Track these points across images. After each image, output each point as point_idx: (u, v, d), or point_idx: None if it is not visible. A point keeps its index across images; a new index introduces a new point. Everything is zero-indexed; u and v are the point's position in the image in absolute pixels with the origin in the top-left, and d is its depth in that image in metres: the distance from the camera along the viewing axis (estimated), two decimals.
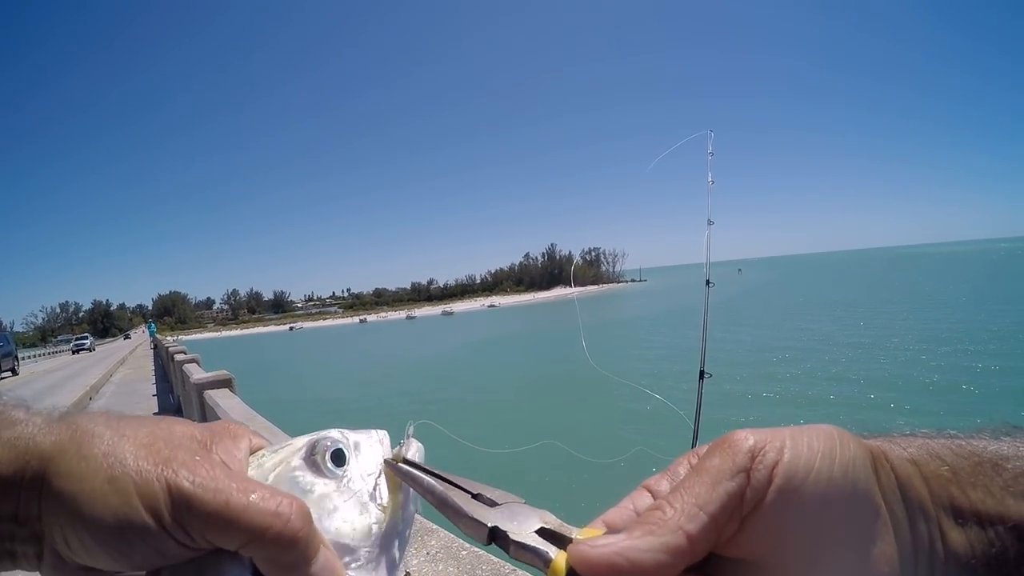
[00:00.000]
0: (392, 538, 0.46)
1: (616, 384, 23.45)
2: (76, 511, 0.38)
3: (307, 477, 0.46)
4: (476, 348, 48.50)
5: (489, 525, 0.41)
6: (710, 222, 2.95)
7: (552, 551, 0.38)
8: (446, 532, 2.13)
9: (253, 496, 0.39)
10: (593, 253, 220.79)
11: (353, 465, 0.47)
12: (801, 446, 0.37)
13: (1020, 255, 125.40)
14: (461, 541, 2.04)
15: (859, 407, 16.96)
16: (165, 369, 15.62)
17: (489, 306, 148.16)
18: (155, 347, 28.73)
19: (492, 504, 0.44)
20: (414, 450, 0.50)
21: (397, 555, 0.47)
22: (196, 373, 6.24)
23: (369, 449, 0.49)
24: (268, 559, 0.39)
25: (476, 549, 2.00)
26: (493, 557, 1.90)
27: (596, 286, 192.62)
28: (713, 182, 2.89)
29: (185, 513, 0.38)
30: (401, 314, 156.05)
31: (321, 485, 0.45)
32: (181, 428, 0.46)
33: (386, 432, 0.52)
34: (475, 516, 0.42)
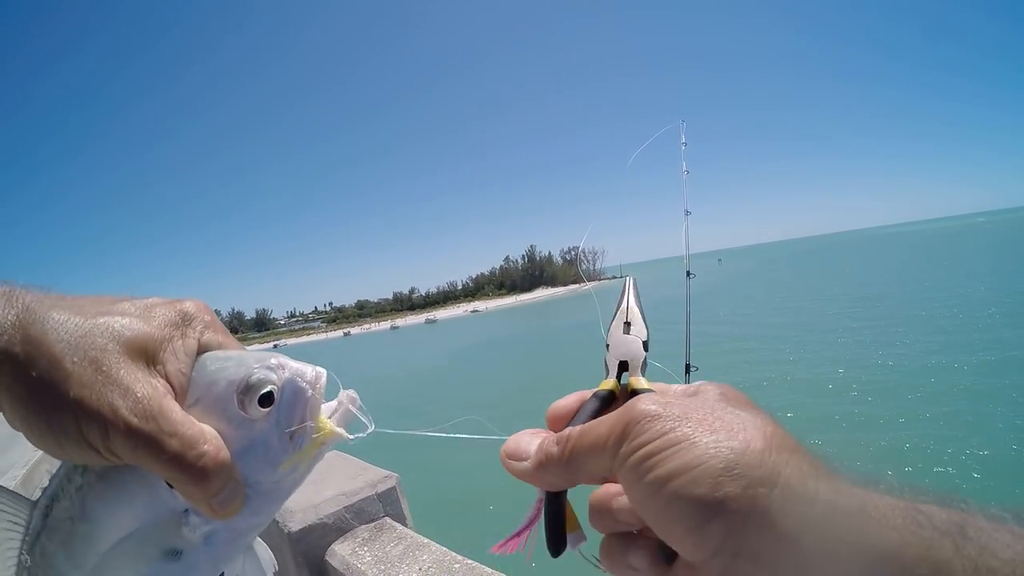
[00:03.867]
0: (289, 488, 0.52)
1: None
2: (18, 402, 0.43)
3: (232, 410, 0.48)
4: (464, 355, 48.39)
5: (607, 340, 0.55)
6: (687, 212, 2.93)
7: (610, 377, 0.53)
8: (438, 546, 2.08)
9: (173, 440, 0.44)
10: (572, 252, 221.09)
11: (275, 412, 0.49)
12: (694, 459, 0.38)
13: (998, 228, 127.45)
14: (454, 554, 2.00)
15: (844, 392, 17.10)
16: None
17: (472, 311, 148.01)
18: None
19: (627, 332, 0.55)
20: (338, 416, 0.54)
21: (281, 504, 0.54)
22: None
23: (295, 397, 0.50)
24: (178, 487, 0.46)
25: (470, 561, 1.95)
26: (487, 569, 1.86)
27: (577, 285, 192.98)
28: (688, 172, 2.87)
29: (113, 440, 0.43)
30: (385, 325, 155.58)
31: (242, 420, 0.49)
32: (131, 321, 0.48)
33: (324, 371, 0.54)
34: (611, 331, 0.55)
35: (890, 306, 31.43)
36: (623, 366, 0.52)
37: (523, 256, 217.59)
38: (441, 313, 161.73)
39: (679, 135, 3.04)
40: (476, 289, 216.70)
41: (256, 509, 0.50)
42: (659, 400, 0.42)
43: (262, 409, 0.49)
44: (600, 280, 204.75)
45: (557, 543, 0.49)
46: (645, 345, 0.53)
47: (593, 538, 0.50)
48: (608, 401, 0.51)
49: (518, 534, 0.51)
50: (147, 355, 0.47)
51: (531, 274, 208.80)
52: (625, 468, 0.40)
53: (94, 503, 0.48)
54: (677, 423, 0.39)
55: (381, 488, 2.50)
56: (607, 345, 0.54)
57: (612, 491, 0.47)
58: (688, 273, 3.00)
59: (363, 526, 2.41)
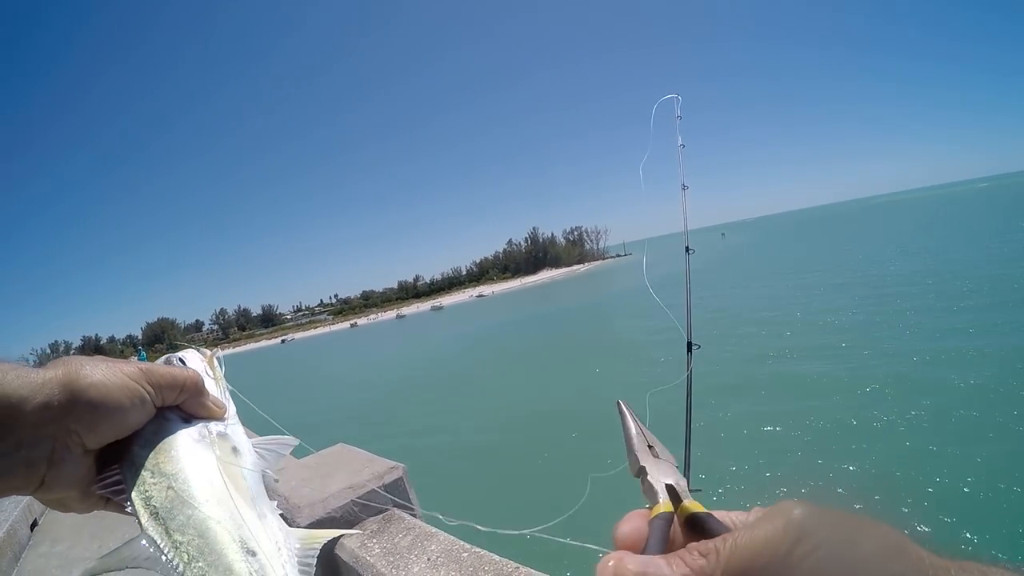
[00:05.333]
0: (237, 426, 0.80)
1: (611, 358, 23.50)
2: (99, 397, 0.63)
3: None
4: (474, 338, 48.46)
5: (641, 464, 0.58)
6: (684, 187, 2.89)
7: (661, 503, 0.52)
8: (446, 535, 2.07)
9: (175, 369, 0.74)
10: (576, 232, 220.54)
11: (193, 364, 0.81)
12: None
13: (1000, 192, 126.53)
14: (462, 543, 1.99)
15: (854, 370, 17.07)
16: None
17: (477, 296, 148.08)
18: None
19: (655, 455, 0.59)
20: (208, 352, 0.87)
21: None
22: None
23: (197, 358, 0.84)
24: (189, 400, 0.74)
25: (478, 550, 1.95)
26: (495, 556, 1.85)
27: (582, 265, 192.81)
28: (683, 146, 2.83)
29: (155, 382, 0.69)
30: (391, 314, 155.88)
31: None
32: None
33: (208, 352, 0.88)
34: (639, 455, 0.59)
35: (897, 274, 31.32)
36: (671, 489, 0.54)
37: (526, 239, 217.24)
38: (447, 299, 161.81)
39: (674, 108, 3.00)
40: (480, 274, 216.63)
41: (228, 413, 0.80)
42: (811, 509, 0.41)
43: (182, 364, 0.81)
44: (604, 259, 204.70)
45: None
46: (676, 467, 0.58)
47: None
48: (669, 523, 0.51)
49: None
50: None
51: (535, 256, 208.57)
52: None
53: (166, 466, 0.69)
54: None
55: (388, 479, 2.49)
56: (640, 470, 0.57)
57: None
58: (687, 249, 2.95)
59: (371, 518, 2.40)
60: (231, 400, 0.84)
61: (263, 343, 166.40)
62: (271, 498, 0.75)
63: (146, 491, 0.66)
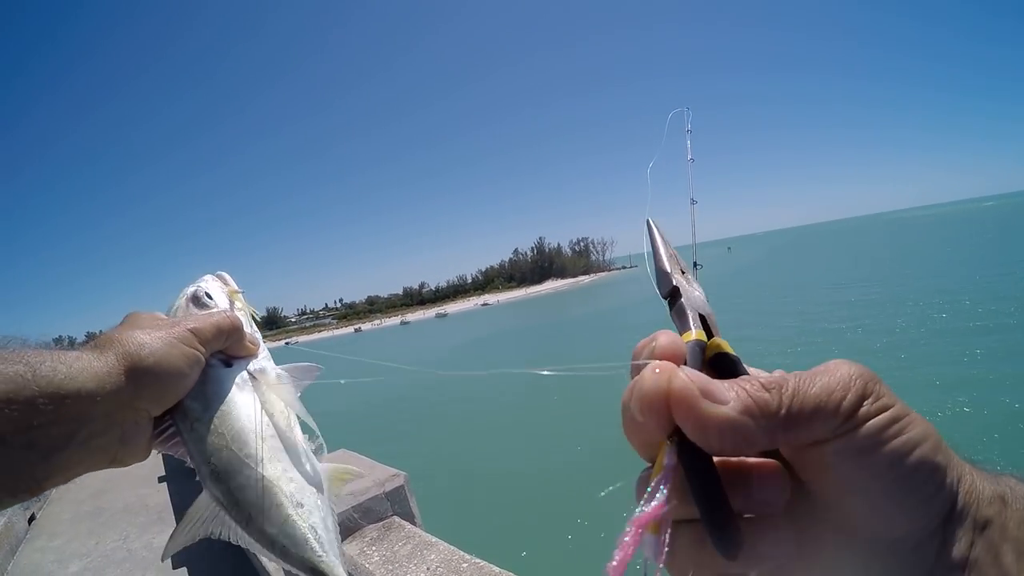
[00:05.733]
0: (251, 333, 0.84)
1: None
2: (163, 374, 0.66)
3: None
4: (476, 346, 48.39)
5: (674, 284, 0.51)
6: (693, 201, 2.87)
7: (694, 330, 0.46)
8: (446, 545, 2.06)
9: (217, 318, 0.76)
10: (582, 243, 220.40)
11: (219, 298, 0.84)
12: (929, 429, 0.39)
13: (1006, 212, 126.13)
14: (462, 553, 1.98)
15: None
16: None
17: (482, 304, 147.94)
18: None
19: (687, 280, 0.53)
20: (230, 280, 0.89)
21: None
22: None
23: (219, 288, 0.86)
24: (233, 345, 0.78)
25: (478, 561, 1.93)
26: (495, 568, 1.83)
27: (587, 276, 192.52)
28: (693, 160, 2.82)
29: (205, 340, 0.72)
30: (395, 320, 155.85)
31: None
32: (144, 317, 0.74)
33: (222, 274, 0.90)
34: (672, 274, 0.52)
35: (905, 290, 31.17)
36: (704, 319, 0.48)
37: (532, 248, 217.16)
38: (451, 307, 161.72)
39: (685, 122, 2.99)
40: (486, 282, 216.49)
41: (257, 343, 0.85)
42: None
43: (211, 301, 0.83)
44: (610, 271, 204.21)
45: (724, 529, 0.36)
46: (695, 262, 0.57)
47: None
48: (704, 351, 0.45)
49: (638, 531, 0.37)
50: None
51: (540, 266, 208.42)
52: (865, 430, 0.37)
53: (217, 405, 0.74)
54: (905, 416, 0.39)
55: (389, 487, 2.48)
56: (672, 291, 0.50)
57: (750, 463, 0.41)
58: (695, 264, 2.94)
59: (371, 525, 2.39)
60: (256, 328, 0.87)
61: (267, 345, 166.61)
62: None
63: (205, 450, 0.71)
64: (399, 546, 2.18)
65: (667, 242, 0.55)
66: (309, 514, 0.74)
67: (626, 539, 0.36)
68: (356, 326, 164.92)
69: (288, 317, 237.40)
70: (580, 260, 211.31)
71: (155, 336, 0.67)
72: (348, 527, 2.42)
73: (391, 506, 2.49)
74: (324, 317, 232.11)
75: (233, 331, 0.77)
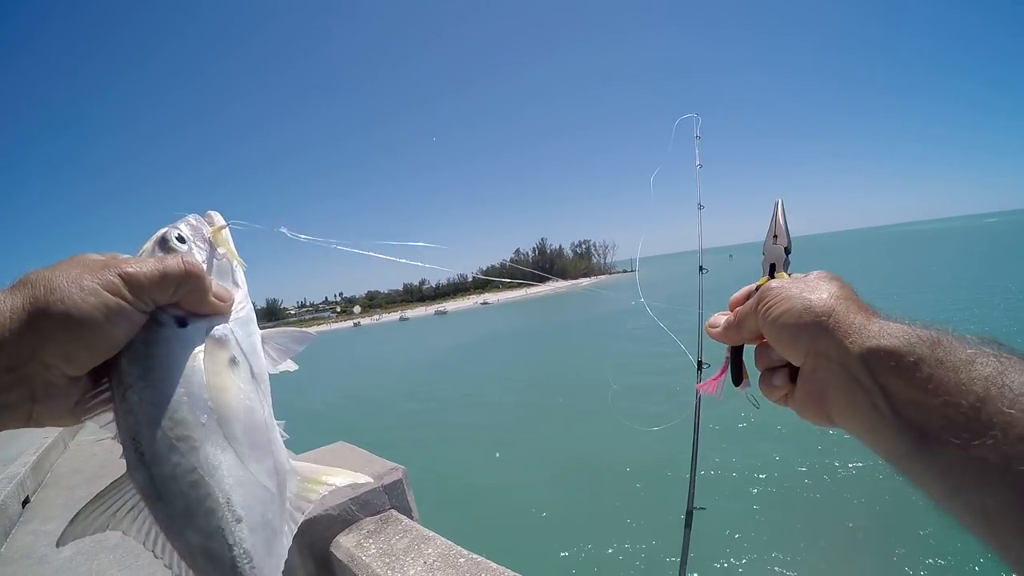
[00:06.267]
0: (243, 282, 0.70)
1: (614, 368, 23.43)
2: (72, 324, 0.53)
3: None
4: (477, 344, 48.42)
5: (764, 248, 0.84)
6: (700, 206, 2.89)
7: (764, 275, 0.81)
8: (444, 539, 2.06)
9: (167, 262, 0.60)
10: (583, 245, 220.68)
11: (195, 243, 0.66)
12: (790, 305, 0.68)
13: (1011, 229, 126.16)
14: (459, 548, 1.98)
15: None
16: None
17: (482, 303, 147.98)
18: None
19: (779, 243, 0.84)
20: (219, 219, 0.71)
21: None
22: None
23: (196, 225, 0.68)
24: (188, 297, 0.62)
25: (475, 556, 1.93)
26: (492, 564, 1.84)
27: (588, 279, 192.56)
28: (701, 165, 2.83)
29: (138, 287, 0.57)
30: (395, 316, 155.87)
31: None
32: (89, 258, 0.60)
33: (210, 213, 0.72)
34: (767, 242, 0.85)
35: (916, 302, 31.17)
36: (772, 267, 0.81)
37: (534, 249, 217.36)
38: (451, 305, 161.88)
39: (693, 128, 3.00)
40: (486, 282, 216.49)
41: (231, 289, 0.68)
42: (781, 280, 0.75)
43: (182, 245, 0.65)
44: (611, 274, 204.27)
45: (738, 378, 0.82)
46: (786, 250, 0.82)
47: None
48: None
49: (715, 379, 0.84)
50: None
51: (541, 267, 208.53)
52: (758, 317, 0.71)
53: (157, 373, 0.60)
54: (786, 290, 0.69)
55: (388, 480, 2.49)
56: (763, 252, 0.83)
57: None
58: (701, 268, 2.96)
59: (369, 518, 2.39)
60: (243, 281, 0.70)
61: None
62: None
63: (133, 425, 0.58)
64: (396, 539, 2.18)
65: (782, 223, 0.85)
66: (250, 532, 0.61)
67: (708, 383, 0.85)
68: (355, 320, 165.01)
69: (288, 309, 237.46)
70: (581, 262, 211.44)
71: (73, 279, 0.55)
72: (345, 519, 2.43)
73: (389, 499, 2.49)
74: (324, 310, 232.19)
75: (187, 279, 0.61)
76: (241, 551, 0.60)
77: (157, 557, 0.62)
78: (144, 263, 0.59)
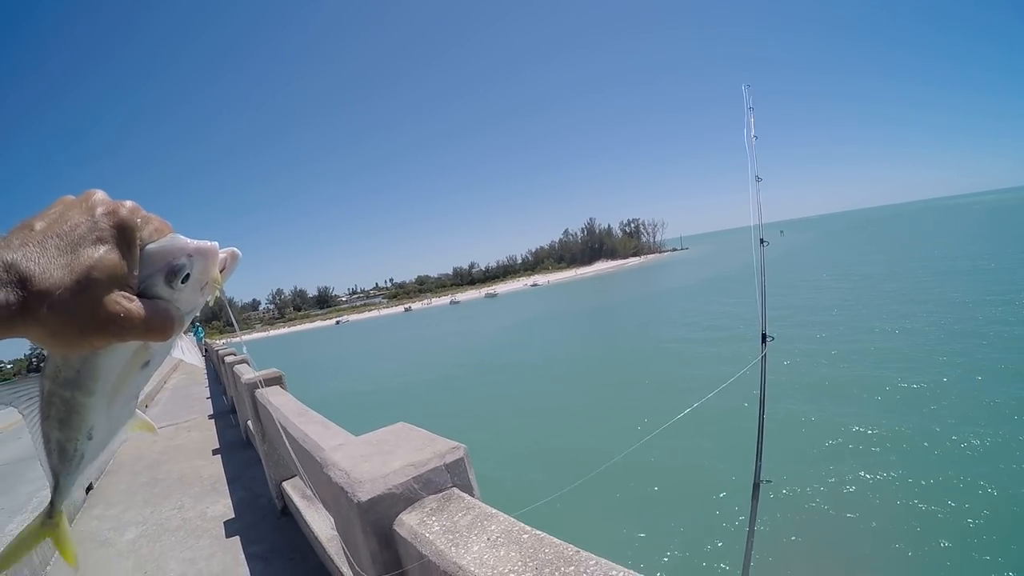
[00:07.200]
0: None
1: (673, 351, 23.20)
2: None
3: (165, 289, 0.67)
4: (529, 328, 48.51)
5: None
6: (758, 179, 2.83)
7: None
8: (506, 516, 2.08)
9: (152, 324, 0.62)
10: (632, 224, 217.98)
11: (192, 284, 0.69)
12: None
13: None
14: (522, 525, 2.00)
15: (926, 361, 16.51)
16: (217, 371, 15.76)
17: (532, 285, 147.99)
18: (205, 351, 28.39)
19: None
20: (232, 261, 0.79)
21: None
22: (246, 373, 6.25)
23: (202, 270, 0.70)
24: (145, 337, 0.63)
25: (539, 532, 1.95)
26: (555, 540, 1.85)
27: (638, 258, 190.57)
28: (756, 137, 2.77)
29: (119, 330, 0.58)
30: (445, 300, 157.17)
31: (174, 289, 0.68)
32: (72, 224, 0.58)
33: (217, 244, 0.73)
34: None
35: (964, 279, 30.04)
36: None
37: (583, 229, 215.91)
38: (501, 287, 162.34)
39: (745, 99, 2.94)
40: (536, 263, 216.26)
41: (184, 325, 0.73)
42: None
43: (182, 286, 0.68)
44: (661, 252, 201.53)
45: None
46: None
47: None
48: None
49: None
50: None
51: (590, 247, 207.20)
52: None
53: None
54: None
55: (449, 459, 2.51)
56: None
57: None
58: (762, 241, 2.91)
59: (431, 496, 2.43)
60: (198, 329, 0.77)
61: (318, 323, 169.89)
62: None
63: (62, 365, 0.70)
64: (459, 516, 2.21)
65: None
66: (92, 447, 0.80)
67: None
68: (406, 305, 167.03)
69: (339, 296, 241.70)
70: (630, 242, 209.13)
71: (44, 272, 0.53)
72: (408, 498, 2.46)
73: (450, 478, 2.53)
74: (374, 297, 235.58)
75: (160, 337, 0.64)
76: (80, 455, 0.79)
77: (31, 434, 0.78)
78: (135, 309, 0.60)
